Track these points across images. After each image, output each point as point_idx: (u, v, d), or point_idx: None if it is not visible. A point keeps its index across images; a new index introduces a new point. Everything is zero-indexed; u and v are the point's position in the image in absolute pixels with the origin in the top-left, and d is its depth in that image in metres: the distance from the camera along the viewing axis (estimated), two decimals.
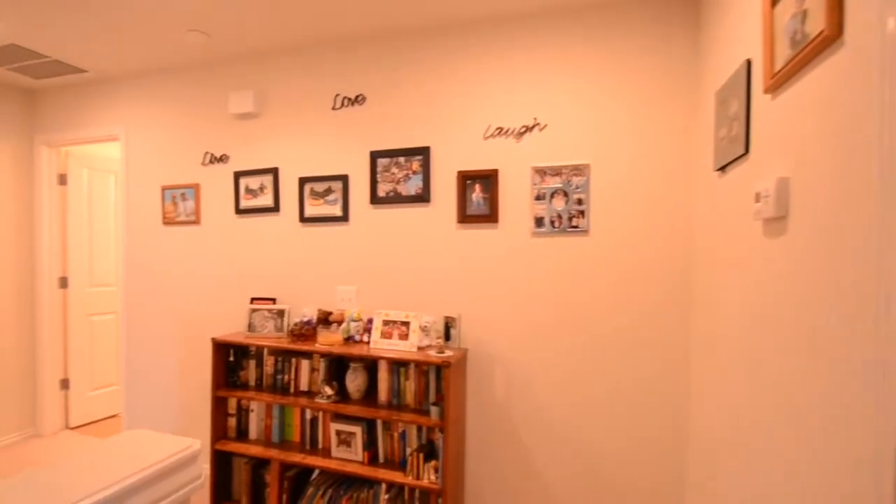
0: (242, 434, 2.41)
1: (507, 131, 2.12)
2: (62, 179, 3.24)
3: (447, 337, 2.20)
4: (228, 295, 2.65)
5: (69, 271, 3.28)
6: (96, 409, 3.46)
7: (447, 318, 2.20)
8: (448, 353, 2.04)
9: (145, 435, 1.93)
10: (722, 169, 1.53)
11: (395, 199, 2.28)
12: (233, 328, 2.64)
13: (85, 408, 3.40)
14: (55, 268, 3.21)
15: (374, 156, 2.30)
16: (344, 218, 2.38)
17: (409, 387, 2.15)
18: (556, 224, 2.05)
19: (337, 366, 2.32)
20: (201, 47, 2.46)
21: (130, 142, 2.87)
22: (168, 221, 2.77)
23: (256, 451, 2.26)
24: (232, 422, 2.41)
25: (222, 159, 2.63)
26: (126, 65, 2.70)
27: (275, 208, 2.52)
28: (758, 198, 1.18)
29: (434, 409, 2.01)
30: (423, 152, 2.22)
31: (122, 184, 2.90)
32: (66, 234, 3.27)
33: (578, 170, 2.02)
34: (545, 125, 2.07)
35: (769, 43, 1.13)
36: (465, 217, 2.18)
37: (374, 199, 2.31)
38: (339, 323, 2.28)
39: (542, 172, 2.06)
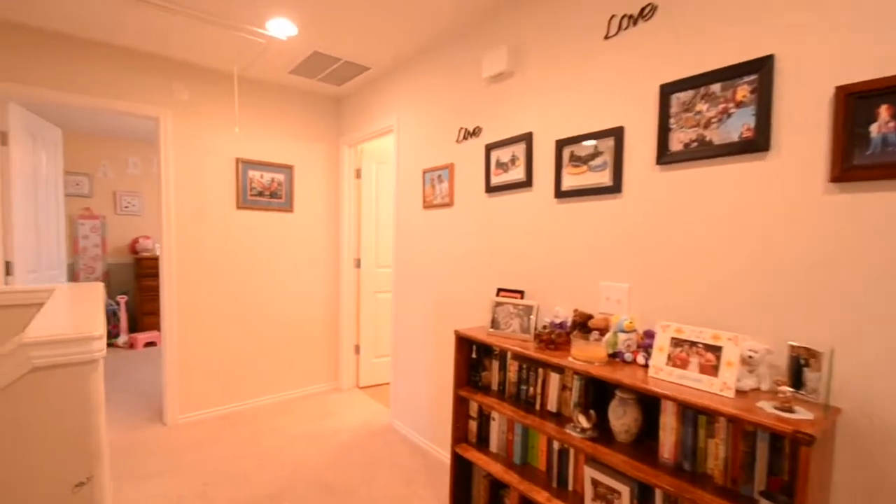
0: (483, 441, 2.11)
1: None
2: (358, 174, 3.77)
3: (797, 383, 1.26)
4: (476, 283, 2.41)
5: (361, 254, 3.80)
6: (377, 374, 3.94)
7: (795, 349, 1.26)
8: (802, 414, 1.13)
9: None
10: None
11: (701, 151, 1.47)
12: (480, 320, 2.38)
13: (370, 372, 3.91)
14: (352, 250, 3.78)
15: (667, 91, 1.55)
16: (614, 188, 1.73)
17: (716, 450, 1.34)
18: None
19: (596, 389, 1.71)
20: (452, 10, 2.27)
21: (401, 130, 3.01)
22: (427, 205, 2.76)
23: (496, 469, 1.90)
24: (473, 426, 2.13)
25: (475, 133, 2.39)
26: (394, 51, 2.82)
27: (526, 183, 2.10)
28: None
29: None
30: (761, 66, 1.33)
31: (395, 173, 3.09)
32: (360, 221, 3.80)
33: None
34: None
35: None
36: (847, 169, 1.19)
37: (664, 157, 1.57)
38: (602, 331, 1.65)
39: None
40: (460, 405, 2.11)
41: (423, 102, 2.78)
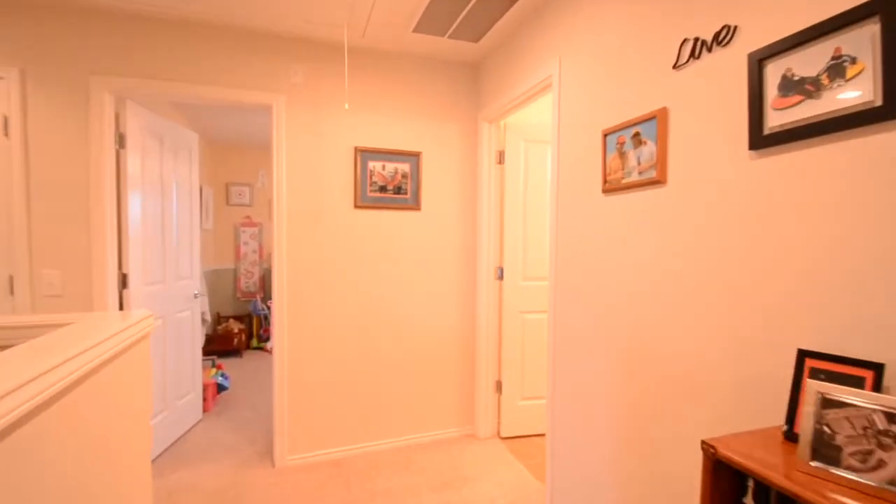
0: None
1: None
2: (500, 158, 2.88)
3: None
4: (731, 329, 1.27)
5: (504, 262, 2.90)
6: (525, 422, 2.97)
7: None
8: None
9: None
10: None
11: None
12: (741, 406, 1.23)
13: (515, 418, 2.97)
14: (493, 258, 2.90)
15: None
16: None
17: None
18: None
19: None
20: None
21: (564, 80, 2.01)
22: (611, 187, 1.70)
23: None
24: None
25: (720, 40, 1.26)
26: None
27: (879, 112, 0.90)
28: None
29: None
30: None
31: (554, 145, 2.09)
32: (503, 218, 2.90)
33: None
34: None
35: None
36: None
37: None
38: None
39: None
40: None
41: (607, 18, 1.73)
